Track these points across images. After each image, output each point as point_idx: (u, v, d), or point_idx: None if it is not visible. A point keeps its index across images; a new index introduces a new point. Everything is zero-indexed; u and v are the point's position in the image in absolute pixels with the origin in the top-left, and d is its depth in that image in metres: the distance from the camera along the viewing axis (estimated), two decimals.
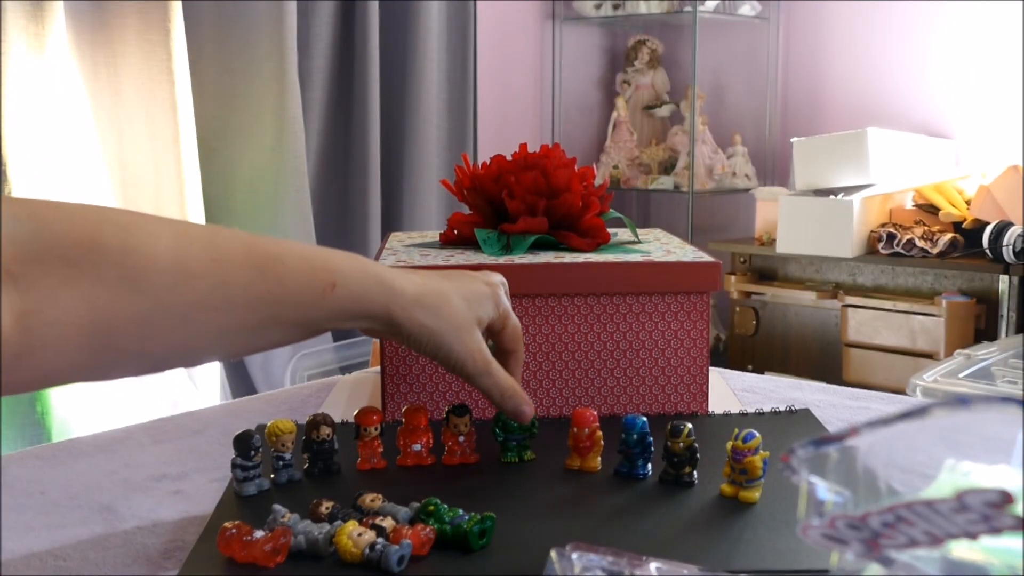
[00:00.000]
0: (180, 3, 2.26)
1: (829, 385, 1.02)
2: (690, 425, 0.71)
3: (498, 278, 0.76)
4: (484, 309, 0.71)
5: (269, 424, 0.73)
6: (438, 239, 1.00)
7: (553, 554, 0.53)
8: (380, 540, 0.58)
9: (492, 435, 0.77)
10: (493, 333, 0.75)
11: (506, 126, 3.44)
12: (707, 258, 0.88)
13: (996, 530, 0.37)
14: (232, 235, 0.62)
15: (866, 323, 2.89)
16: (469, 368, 0.70)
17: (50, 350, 0.53)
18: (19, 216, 0.53)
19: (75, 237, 0.54)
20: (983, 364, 2.30)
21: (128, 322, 0.55)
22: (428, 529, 0.60)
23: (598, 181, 3.37)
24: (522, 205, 0.91)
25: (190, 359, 0.62)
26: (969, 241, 2.81)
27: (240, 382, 2.56)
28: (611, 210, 0.97)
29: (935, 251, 2.79)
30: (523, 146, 0.95)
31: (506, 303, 0.74)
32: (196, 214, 2.31)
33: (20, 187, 2.01)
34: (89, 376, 0.58)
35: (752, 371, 2.12)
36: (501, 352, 0.76)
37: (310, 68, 2.64)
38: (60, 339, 0.53)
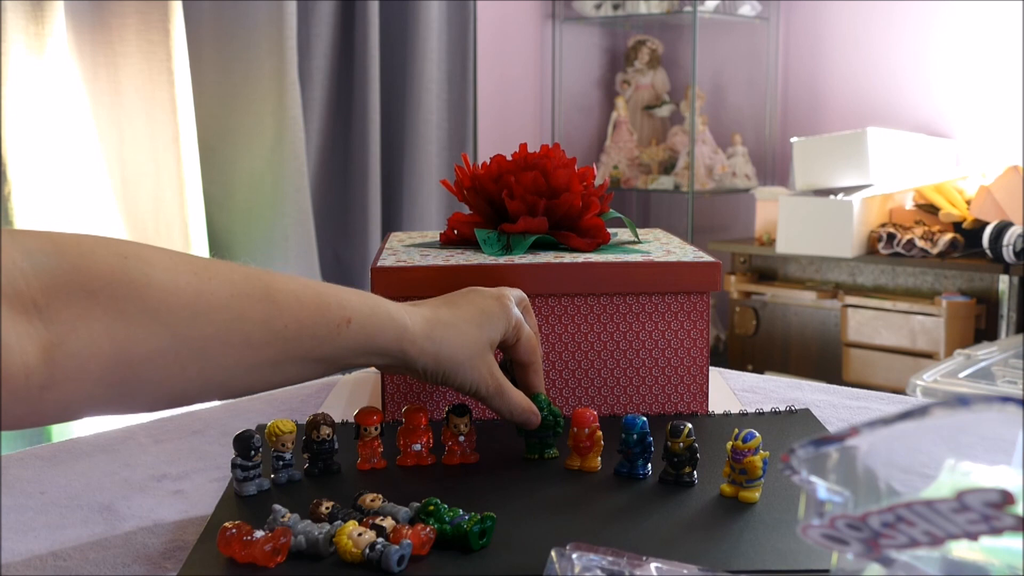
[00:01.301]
0: (180, 3, 2.26)
1: (829, 385, 1.02)
2: (690, 425, 0.71)
3: (516, 293, 0.77)
4: (495, 328, 0.73)
5: (269, 424, 0.73)
6: (438, 239, 1.00)
7: (553, 554, 0.53)
8: (380, 540, 0.58)
9: (516, 431, 0.77)
10: (506, 347, 0.75)
11: (506, 126, 3.44)
12: (707, 258, 0.88)
13: (996, 530, 0.37)
14: (249, 272, 0.63)
15: (866, 323, 2.89)
16: (482, 393, 0.72)
17: (73, 382, 0.53)
18: (44, 249, 0.54)
19: (98, 270, 0.55)
20: (983, 364, 2.30)
21: (148, 355, 0.56)
22: (428, 529, 0.60)
23: (598, 181, 3.37)
24: (522, 205, 0.91)
25: (207, 394, 0.62)
26: (969, 241, 2.81)
27: None
28: (611, 210, 0.97)
29: (935, 251, 2.79)
30: (523, 146, 0.95)
31: (518, 314, 0.75)
32: (196, 214, 2.31)
33: (20, 187, 2.02)
34: (108, 409, 0.58)
35: (752, 371, 2.12)
36: (517, 365, 0.77)
37: (310, 68, 2.64)
38: (82, 372, 0.54)
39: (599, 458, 0.75)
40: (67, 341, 0.53)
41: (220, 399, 0.66)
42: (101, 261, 0.55)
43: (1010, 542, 0.39)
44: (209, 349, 0.59)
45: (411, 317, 0.69)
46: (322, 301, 0.64)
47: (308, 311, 0.63)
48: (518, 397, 0.74)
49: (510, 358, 0.77)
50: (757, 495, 0.68)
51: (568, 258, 0.88)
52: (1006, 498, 0.36)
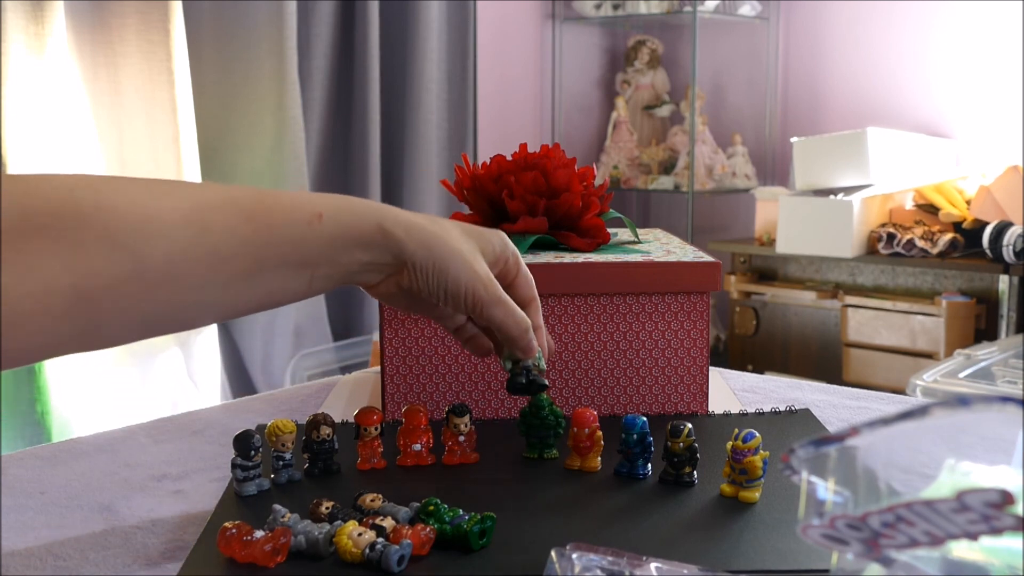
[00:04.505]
0: (180, 3, 2.26)
1: (829, 385, 1.02)
2: (690, 425, 0.71)
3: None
4: (485, 241, 0.67)
5: (269, 424, 0.73)
6: None
7: (553, 554, 0.53)
8: (380, 540, 0.58)
9: (517, 430, 0.77)
10: (507, 282, 0.70)
11: (506, 126, 3.44)
12: (707, 258, 0.88)
13: (996, 530, 0.37)
14: (206, 184, 0.60)
15: (866, 323, 2.89)
16: (481, 294, 0.65)
17: (34, 323, 0.52)
18: None
19: (45, 206, 0.52)
20: (983, 364, 2.30)
21: (111, 283, 0.53)
22: (428, 529, 0.60)
23: (598, 181, 3.37)
24: (522, 205, 0.91)
25: (183, 318, 0.59)
26: (969, 241, 2.81)
27: (240, 382, 2.56)
28: (611, 210, 0.97)
29: (935, 251, 2.79)
30: (523, 146, 0.95)
31: (514, 247, 0.70)
32: None
33: None
34: (79, 345, 0.56)
35: (752, 371, 2.12)
36: (519, 303, 0.70)
37: (310, 68, 2.64)
38: (43, 311, 0.52)
39: (599, 458, 0.75)
40: (24, 282, 0.51)
41: (202, 324, 0.62)
42: (47, 196, 0.53)
43: (1010, 542, 0.39)
44: (175, 268, 0.55)
45: (392, 208, 0.64)
46: (289, 201, 0.60)
47: (276, 213, 0.59)
48: (521, 311, 0.67)
49: (511, 296, 0.69)
50: (757, 495, 0.68)
51: (568, 258, 0.88)
52: (1006, 498, 0.36)
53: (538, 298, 0.71)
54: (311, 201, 0.61)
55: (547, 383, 0.71)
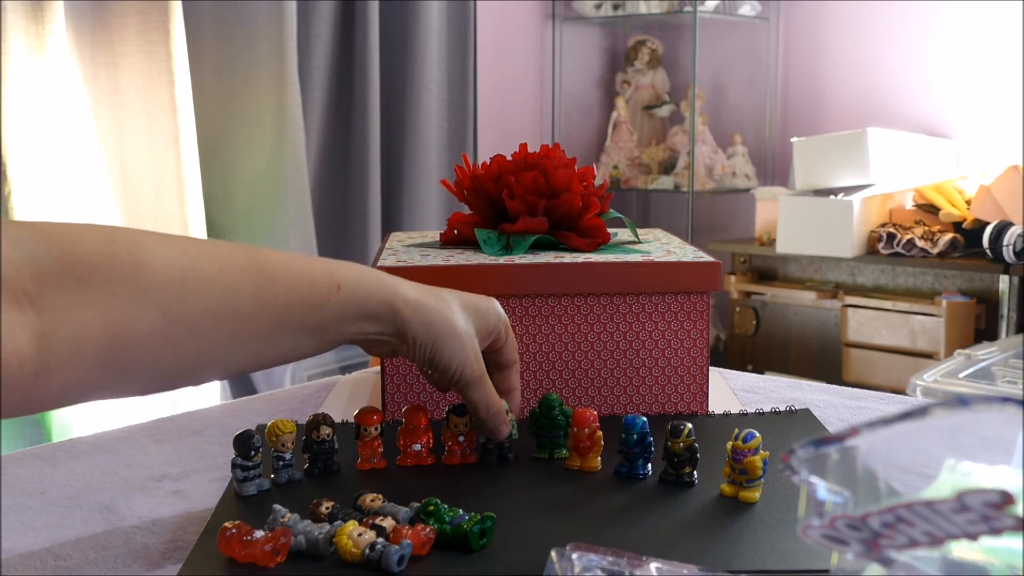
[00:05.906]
0: (180, 3, 2.25)
1: (829, 385, 1.02)
2: (690, 425, 0.71)
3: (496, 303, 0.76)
4: (482, 318, 0.72)
5: (269, 424, 0.73)
6: (438, 239, 1.00)
7: (553, 554, 0.53)
8: (380, 540, 0.58)
9: (527, 430, 0.77)
10: (495, 348, 0.74)
11: (506, 126, 3.44)
12: (707, 258, 0.88)
13: (996, 530, 0.37)
14: (235, 246, 0.63)
15: (866, 323, 2.89)
16: (466, 375, 0.70)
17: (67, 367, 0.54)
18: (33, 238, 0.54)
19: (88, 254, 0.55)
20: (983, 364, 2.30)
21: (142, 336, 0.56)
22: (428, 529, 0.60)
23: (598, 181, 3.37)
24: (522, 205, 0.91)
25: (202, 373, 0.62)
26: (969, 241, 2.81)
27: (240, 382, 2.56)
28: (611, 210, 0.97)
29: (935, 251, 2.79)
30: (523, 146, 0.95)
31: (504, 315, 0.74)
32: (196, 214, 2.31)
33: (20, 187, 2.01)
34: (105, 393, 0.58)
35: (752, 371, 2.12)
36: (501, 366, 0.76)
37: (310, 68, 2.64)
38: (76, 356, 0.54)
39: (599, 458, 0.75)
40: (60, 327, 0.53)
41: (219, 377, 0.66)
42: (90, 246, 0.55)
43: (1010, 542, 0.39)
44: (202, 325, 0.59)
45: (402, 283, 0.69)
46: (311, 269, 0.64)
47: (298, 279, 0.63)
48: (496, 394, 0.73)
49: (496, 360, 0.75)
50: (757, 495, 0.68)
51: (568, 258, 0.88)
52: (1006, 498, 0.36)
53: (518, 362, 0.77)
54: (330, 271, 0.65)
55: (513, 456, 0.76)
